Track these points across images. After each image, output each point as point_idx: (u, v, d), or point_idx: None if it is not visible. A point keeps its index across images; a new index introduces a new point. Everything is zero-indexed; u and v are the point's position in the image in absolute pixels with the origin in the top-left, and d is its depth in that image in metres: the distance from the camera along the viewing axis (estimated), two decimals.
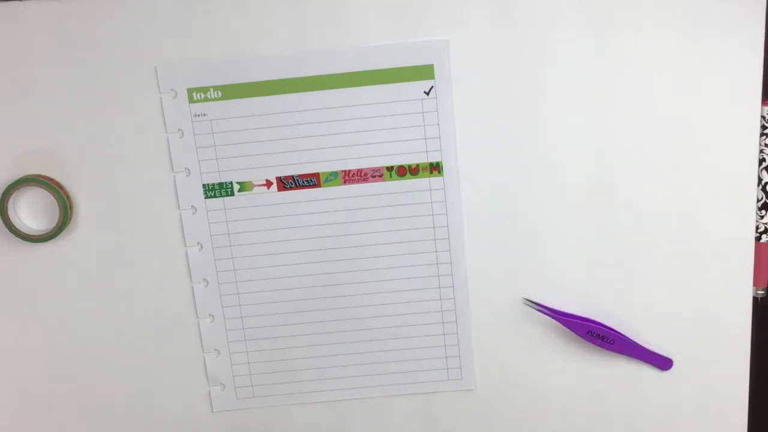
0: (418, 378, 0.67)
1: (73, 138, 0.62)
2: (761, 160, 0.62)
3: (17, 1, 0.59)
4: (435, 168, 0.62)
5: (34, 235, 0.63)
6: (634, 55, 0.60)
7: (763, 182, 0.63)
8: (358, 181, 0.63)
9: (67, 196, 0.62)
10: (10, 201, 0.62)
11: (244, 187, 0.63)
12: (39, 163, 0.62)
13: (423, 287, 0.65)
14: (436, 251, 0.64)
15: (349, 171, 0.62)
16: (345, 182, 0.63)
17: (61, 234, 0.63)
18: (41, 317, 0.65)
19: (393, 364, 0.67)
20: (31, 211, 0.63)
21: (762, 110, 0.61)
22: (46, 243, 0.63)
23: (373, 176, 0.62)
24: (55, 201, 0.62)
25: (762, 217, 0.63)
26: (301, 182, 0.63)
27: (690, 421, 0.67)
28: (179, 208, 0.63)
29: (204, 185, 0.63)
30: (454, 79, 0.60)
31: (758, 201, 0.63)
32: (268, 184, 0.63)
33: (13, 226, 0.62)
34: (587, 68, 0.60)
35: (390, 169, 0.62)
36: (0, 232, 0.63)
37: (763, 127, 0.61)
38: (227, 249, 0.64)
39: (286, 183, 0.63)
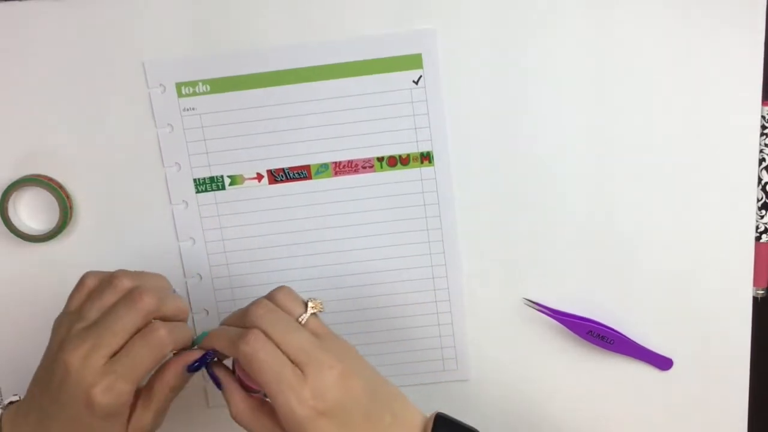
0: (416, 380, 0.67)
1: (71, 137, 0.62)
2: (761, 160, 0.62)
3: (17, 1, 0.59)
4: (426, 158, 0.62)
5: (34, 235, 0.63)
6: (634, 54, 0.60)
7: (763, 182, 0.63)
8: (348, 173, 0.62)
9: (67, 196, 0.62)
10: (10, 201, 0.62)
11: (234, 180, 0.63)
12: (39, 163, 0.62)
13: (416, 278, 0.64)
14: (429, 242, 0.64)
15: (340, 162, 0.62)
16: (336, 174, 0.62)
17: (61, 234, 0.63)
18: (41, 317, 0.65)
19: (388, 359, 0.66)
20: (31, 211, 0.63)
21: (762, 110, 0.61)
22: (46, 243, 0.63)
23: (364, 167, 0.62)
24: (55, 201, 0.62)
25: (762, 217, 0.63)
26: (291, 175, 0.62)
27: (690, 421, 0.67)
28: (171, 203, 0.63)
29: (195, 180, 0.63)
30: (442, 67, 0.60)
31: (758, 201, 0.63)
32: (259, 177, 0.63)
33: (13, 226, 0.62)
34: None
35: (381, 159, 0.62)
36: (0, 232, 0.63)
37: (763, 127, 0.61)
38: (219, 243, 0.64)
39: (276, 176, 0.62)
